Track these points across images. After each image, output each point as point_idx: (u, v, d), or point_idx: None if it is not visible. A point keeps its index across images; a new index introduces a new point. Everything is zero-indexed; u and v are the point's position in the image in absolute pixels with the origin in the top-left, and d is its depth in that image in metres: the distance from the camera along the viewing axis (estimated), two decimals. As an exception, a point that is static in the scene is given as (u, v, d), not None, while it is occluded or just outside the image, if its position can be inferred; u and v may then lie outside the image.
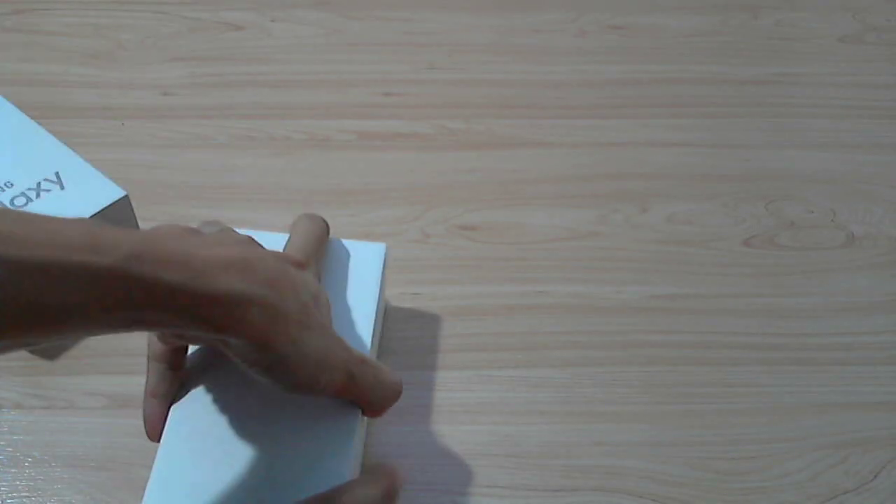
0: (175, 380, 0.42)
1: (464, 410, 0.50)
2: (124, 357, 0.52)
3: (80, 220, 0.31)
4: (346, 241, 0.49)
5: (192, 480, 0.39)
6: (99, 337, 0.52)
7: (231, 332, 0.34)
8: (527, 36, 0.73)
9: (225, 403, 0.42)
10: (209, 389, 0.42)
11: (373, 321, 0.45)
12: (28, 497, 0.46)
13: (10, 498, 0.46)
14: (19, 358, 0.51)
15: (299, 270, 0.40)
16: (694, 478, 0.48)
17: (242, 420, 0.41)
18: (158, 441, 0.41)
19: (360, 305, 0.46)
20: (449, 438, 0.49)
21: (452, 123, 0.66)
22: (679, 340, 0.54)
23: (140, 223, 0.54)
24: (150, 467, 0.40)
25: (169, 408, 0.41)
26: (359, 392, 0.40)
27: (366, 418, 0.45)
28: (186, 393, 0.42)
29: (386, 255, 0.49)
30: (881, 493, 0.48)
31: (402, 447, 0.49)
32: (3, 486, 0.46)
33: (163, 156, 0.62)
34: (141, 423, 0.46)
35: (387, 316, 0.54)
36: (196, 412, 0.41)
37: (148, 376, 0.42)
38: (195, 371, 0.43)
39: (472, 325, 0.54)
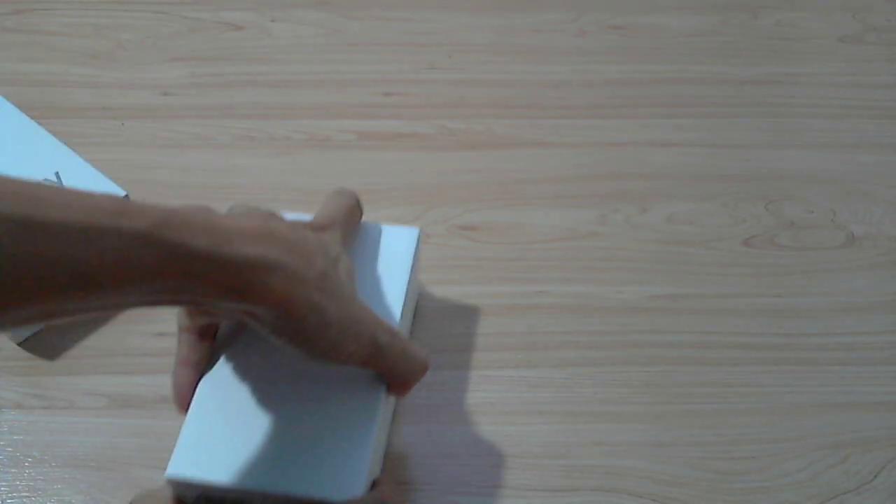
0: (205, 349, 0.43)
1: (464, 410, 0.50)
2: (124, 357, 0.52)
3: (108, 194, 0.33)
4: (379, 225, 0.49)
5: (216, 445, 0.40)
6: (99, 336, 0.52)
7: (253, 299, 0.35)
8: (527, 36, 0.73)
9: (252, 375, 0.42)
10: (238, 361, 0.43)
11: (402, 303, 0.46)
12: (28, 497, 0.46)
13: (10, 498, 0.46)
14: (19, 358, 0.51)
15: (319, 234, 0.40)
16: (694, 478, 0.48)
17: (269, 391, 0.42)
18: (185, 411, 0.41)
19: (391, 287, 0.46)
20: (449, 438, 0.49)
21: (452, 123, 0.66)
22: (679, 340, 0.54)
23: (140, 223, 0.54)
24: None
25: (199, 377, 0.42)
26: (385, 364, 0.41)
27: (392, 399, 0.45)
28: (215, 364, 0.43)
29: (419, 239, 0.49)
30: (881, 493, 0.48)
31: (402, 447, 0.49)
32: (3, 486, 0.46)
33: (163, 156, 0.62)
34: (141, 422, 0.46)
35: None
36: (224, 383, 0.42)
37: (179, 346, 0.42)
38: (224, 343, 0.43)
39: (472, 325, 0.54)
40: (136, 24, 0.72)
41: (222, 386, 0.42)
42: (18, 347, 0.52)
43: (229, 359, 0.43)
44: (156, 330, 0.53)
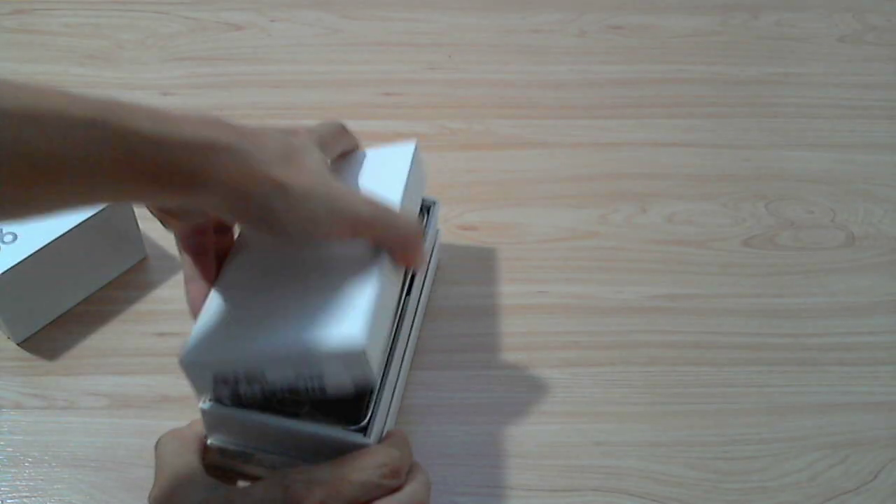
0: (207, 263, 0.44)
1: (464, 410, 0.50)
2: (124, 357, 0.52)
3: (57, 87, 0.34)
4: (377, 148, 0.50)
5: (226, 331, 0.41)
6: (99, 336, 0.52)
7: (206, 180, 0.35)
8: (527, 36, 0.73)
9: (260, 276, 0.44)
10: (246, 268, 0.44)
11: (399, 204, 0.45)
12: (28, 497, 0.46)
13: (10, 498, 0.46)
14: (19, 358, 0.51)
15: (286, 134, 0.40)
16: (694, 478, 0.48)
17: (276, 285, 0.43)
18: None
19: (388, 196, 0.45)
20: (449, 438, 0.49)
21: (452, 123, 0.66)
22: (679, 340, 0.54)
23: (140, 223, 0.54)
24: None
25: (208, 289, 0.43)
26: (374, 234, 0.41)
27: (405, 277, 0.46)
28: (224, 275, 0.44)
29: (416, 151, 0.49)
30: (881, 493, 0.48)
31: (402, 447, 0.49)
32: (3, 486, 0.46)
33: (163, 156, 0.62)
34: (141, 422, 0.45)
35: None
36: (233, 286, 0.43)
37: (183, 268, 0.44)
38: (234, 255, 0.45)
39: (473, 325, 0.54)
40: (136, 24, 0.72)
41: (232, 288, 0.43)
42: (18, 347, 0.52)
43: (238, 267, 0.44)
44: (156, 330, 0.53)
